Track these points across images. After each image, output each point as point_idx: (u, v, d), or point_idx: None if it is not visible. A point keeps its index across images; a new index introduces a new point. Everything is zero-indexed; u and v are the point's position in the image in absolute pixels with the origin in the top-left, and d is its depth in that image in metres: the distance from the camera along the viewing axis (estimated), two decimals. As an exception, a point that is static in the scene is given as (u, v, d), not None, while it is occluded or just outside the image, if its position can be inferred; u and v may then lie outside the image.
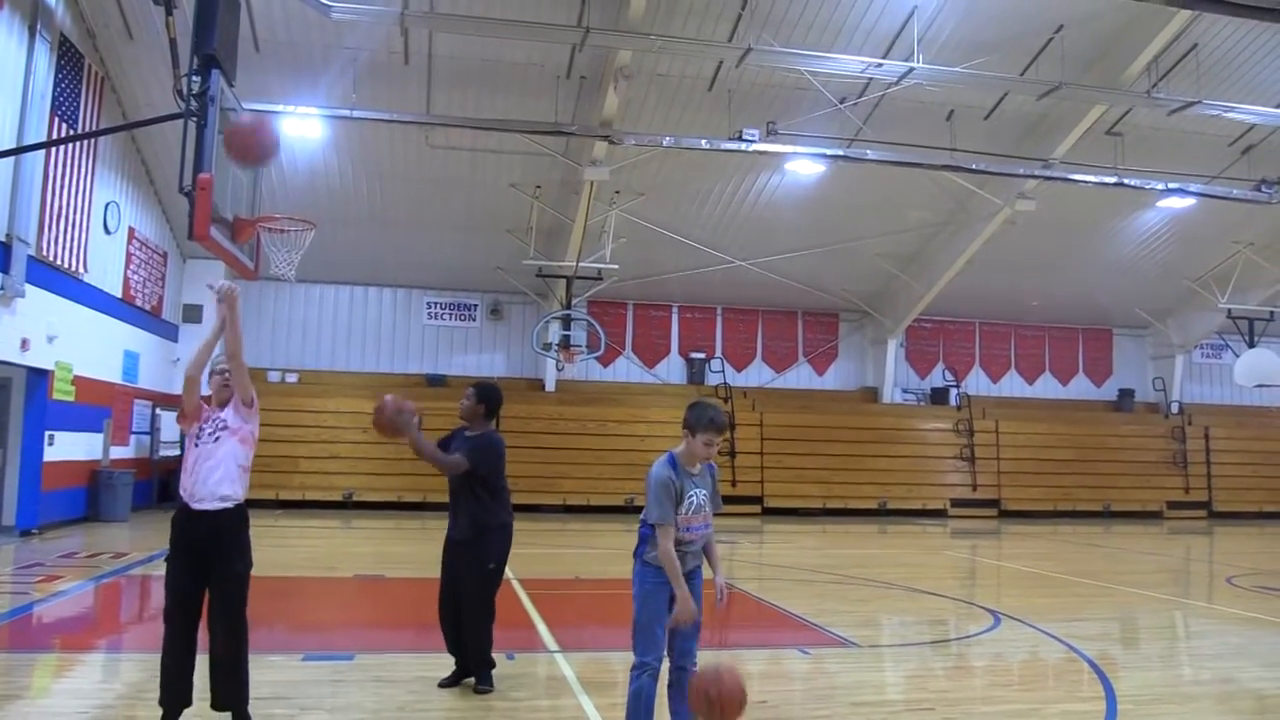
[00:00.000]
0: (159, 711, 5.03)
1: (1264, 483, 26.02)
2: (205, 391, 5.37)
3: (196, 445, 5.18)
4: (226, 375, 5.30)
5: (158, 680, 5.08)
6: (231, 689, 5.09)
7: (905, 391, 26.51)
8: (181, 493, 5.15)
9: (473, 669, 6.19)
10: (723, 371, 25.26)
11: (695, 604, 4.81)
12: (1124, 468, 25.38)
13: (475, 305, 24.64)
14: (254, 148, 6.80)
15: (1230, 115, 17.40)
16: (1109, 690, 6.42)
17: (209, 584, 5.08)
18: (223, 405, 5.30)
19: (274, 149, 7.00)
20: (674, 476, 4.74)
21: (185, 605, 5.08)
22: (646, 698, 4.73)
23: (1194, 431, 26.34)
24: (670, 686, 4.87)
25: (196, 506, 5.07)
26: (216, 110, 7.75)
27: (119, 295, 17.94)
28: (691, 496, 4.80)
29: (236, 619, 5.11)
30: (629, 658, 4.83)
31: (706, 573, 5.09)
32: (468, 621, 6.19)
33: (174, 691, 5.02)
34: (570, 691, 6.21)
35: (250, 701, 5.18)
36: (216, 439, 5.17)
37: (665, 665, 4.83)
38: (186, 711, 5.08)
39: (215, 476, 5.09)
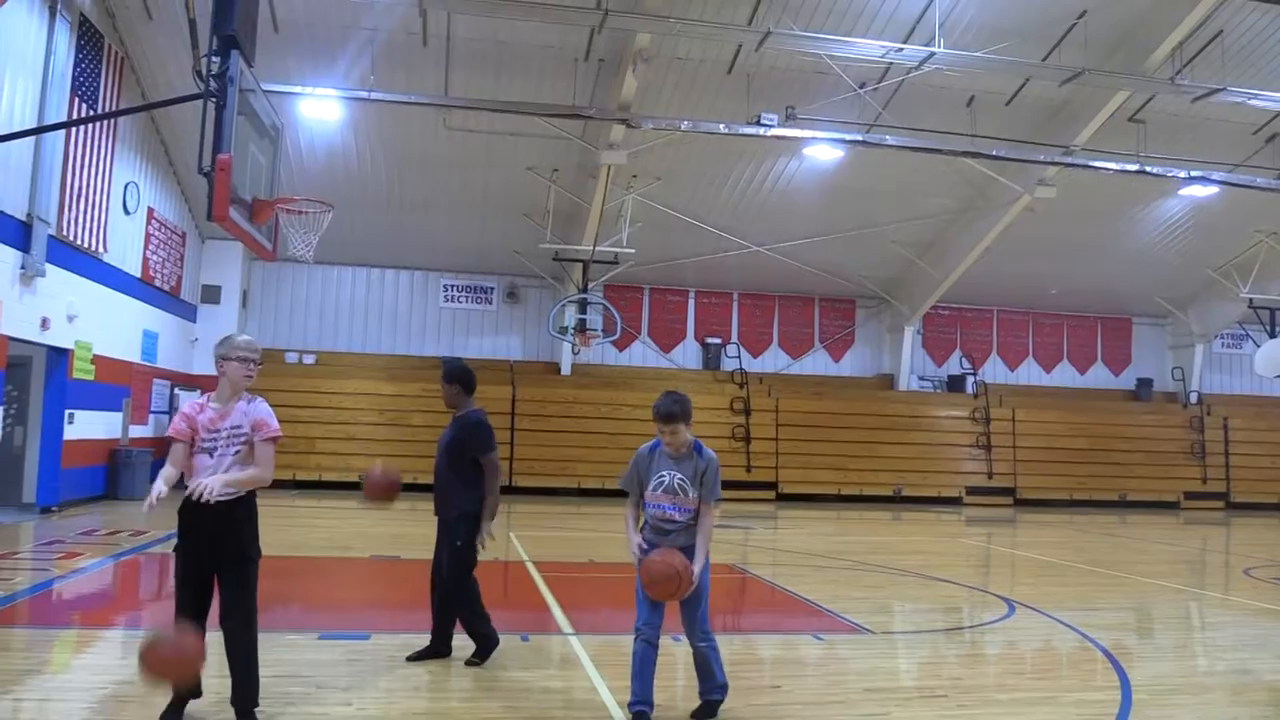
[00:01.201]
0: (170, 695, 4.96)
1: (1283, 474, 25.85)
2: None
3: (215, 457, 4.92)
4: (252, 368, 5.03)
5: None
6: (250, 683, 4.99)
7: (922, 379, 26.42)
8: (192, 485, 4.92)
9: (475, 641, 6.36)
10: (739, 357, 25.22)
11: (694, 580, 5.06)
12: (1141, 457, 25.25)
13: (492, 288, 24.67)
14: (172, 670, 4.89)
15: (1254, 103, 17.21)
16: (1124, 680, 6.40)
17: (221, 573, 4.96)
18: (236, 394, 5.01)
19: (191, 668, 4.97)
20: (645, 455, 5.31)
21: (199, 593, 4.97)
22: (640, 660, 5.13)
23: (1212, 422, 26.16)
24: (693, 661, 5.28)
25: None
26: (236, 91, 7.76)
27: (138, 275, 18.05)
28: (662, 476, 5.19)
29: (251, 608, 5.03)
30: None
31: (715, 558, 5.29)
32: (453, 601, 6.35)
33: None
34: (584, 673, 6.24)
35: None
36: (237, 453, 4.94)
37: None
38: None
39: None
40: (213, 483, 4.74)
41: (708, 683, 5.25)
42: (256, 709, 4.98)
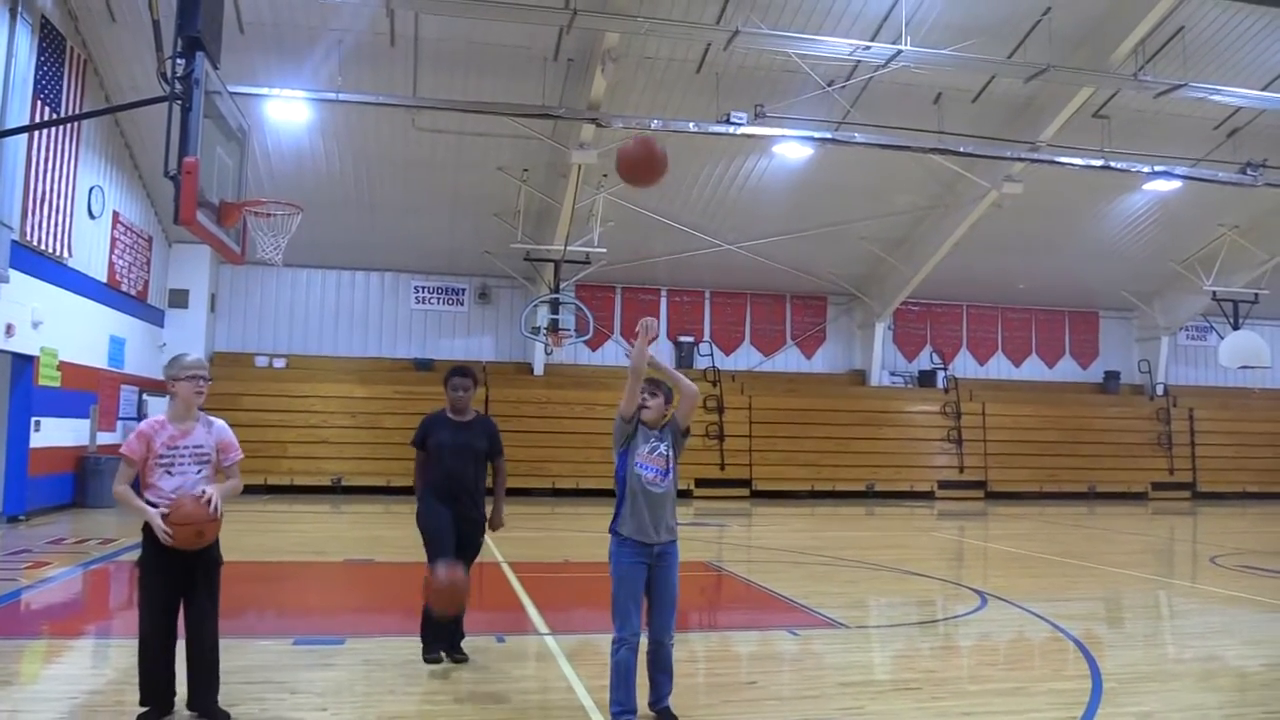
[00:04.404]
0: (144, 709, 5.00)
1: (1247, 464, 26.25)
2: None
3: (176, 474, 4.98)
4: (203, 385, 5.09)
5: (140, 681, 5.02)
6: (214, 685, 5.05)
7: (893, 374, 26.59)
8: (158, 499, 4.96)
9: (458, 640, 6.43)
10: (711, 355, 25.29)
11: (672, 582, 5.17)
12: (1109, 449, 25.54)
13: (463, 289, 24.58)
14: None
15: (1216, 98, 17.44)
16: (1094, 669, 6.49)
17: (194, 580, 5.01)
18: (190, 411, 5.08)
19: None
20: (626, 423, 5.29)
21: (171, 606, 5.01)
22: (625, 670, 5.03)
23: (1178, 413, 26.52)
24: (649, 659, 5.16)
25: None
26: (201, 93, 7.70)
27: (104, 280, 17.84)
28: (650, 444, 5.25)
29: (216, 616, 5.09)
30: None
31: (683, 555, 5.35)
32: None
33: (165, 695, 5.01)
34: (560, 673, 6.24)
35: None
36: (200, 472, 5.04)
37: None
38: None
39: (200, 488, 5.03)
40: (217, 498, 4.93)
41: (667, 685, 5.17)
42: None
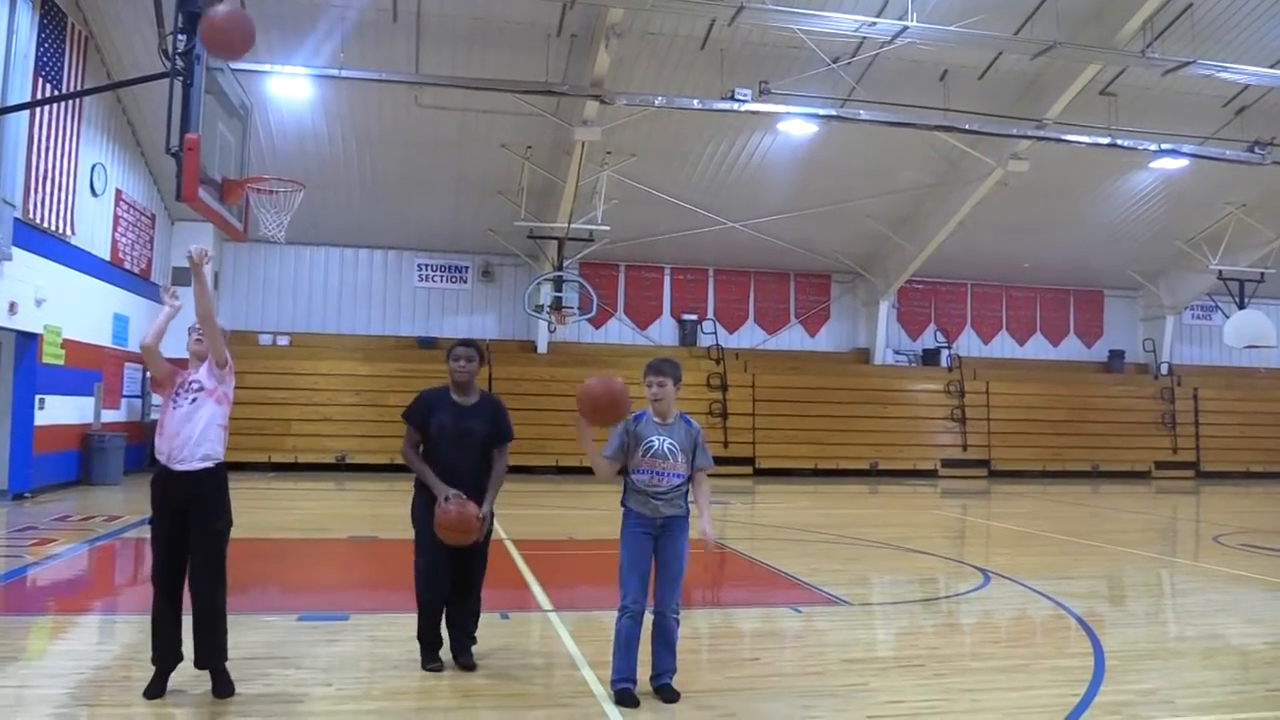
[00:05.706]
0: (153, 670, 5.11)
1: (1251, 443, 26.21)
2: (169, 355, 5.46)
3: (174, 408, 5.23)
4: (199, 332, 5.35)
5: (149, 641, 5.15)
6: (212, 647, 5.14)
7: (897, 353, 26.55)
8: (159, 455, 5.22)
9: (467, 643, 5.82)
10: (715, 333, 25.25)
11: (676, 554, 5.25)
12: (1113, 428, 25.53)
13: (466, 267, 24.54)
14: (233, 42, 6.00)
15: (1224, 76, 17.29)
16: (1097, 646, 6.50)
17: (191, 540, 5.14)
18: (199, 362, 5.36)
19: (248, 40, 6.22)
20: (630, 424, 5.31)
21: (171, 566, 5.16)
22: (625, 638, 5.12)
23: (1183, 392, 26.48)
24: (652, 631, 5.19)
25: (177, 468, 5.14)
26: (203, 69, 7.66)
27: (107, 258, 17.82)
28: (650, 442, 5.25)
29: (216, 577, 5.19)
30: (622, 617, 5.07)
31: (692, 532, 5.38)
32: (477, 589, 5.90)
33: (166, 649, 5.11)
34: (564, 649, 6.26)
35: (229, 660, 5.20)
36: (194, 401, 5.23)
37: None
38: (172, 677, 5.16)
39: (195, 438, 5.17)
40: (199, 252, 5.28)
41: (668, 660, 5.17)
42: (227, 663, 5.18)
